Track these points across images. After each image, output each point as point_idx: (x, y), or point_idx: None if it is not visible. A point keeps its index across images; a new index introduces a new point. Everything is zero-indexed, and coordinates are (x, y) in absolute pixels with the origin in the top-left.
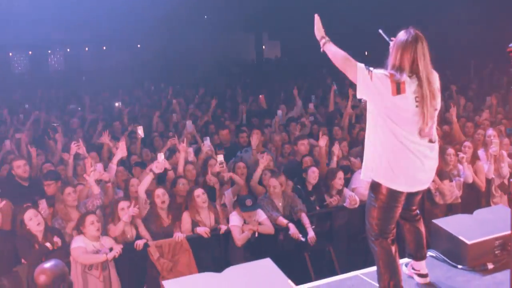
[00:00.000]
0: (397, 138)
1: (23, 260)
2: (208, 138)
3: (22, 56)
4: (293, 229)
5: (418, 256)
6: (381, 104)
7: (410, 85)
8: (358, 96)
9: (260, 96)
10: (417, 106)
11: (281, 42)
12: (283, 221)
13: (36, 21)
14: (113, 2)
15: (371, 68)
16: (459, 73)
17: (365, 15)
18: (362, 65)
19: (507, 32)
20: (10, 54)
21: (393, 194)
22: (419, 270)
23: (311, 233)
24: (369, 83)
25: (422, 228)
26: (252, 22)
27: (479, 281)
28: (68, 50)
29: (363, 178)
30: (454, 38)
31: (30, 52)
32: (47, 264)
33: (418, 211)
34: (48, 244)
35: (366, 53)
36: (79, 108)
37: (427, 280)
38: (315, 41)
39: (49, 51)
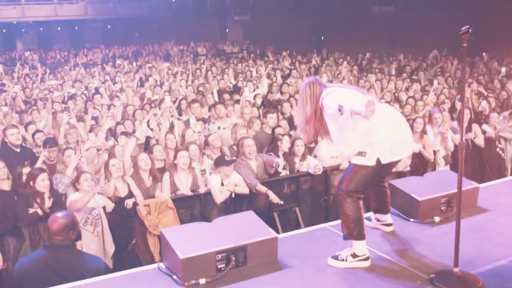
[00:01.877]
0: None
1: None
2: (193, 116)
3: None
4: (272, 195)
5: (384, 210)
6: None
7: None
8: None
9: (229, 70)
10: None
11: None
12: (262, 188)
13: None
14: None
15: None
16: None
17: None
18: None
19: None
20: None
21: (380, 166)
22: (385, 221)
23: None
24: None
25: (388, 189)
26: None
27: (428, 232)
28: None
29: (354, 162)
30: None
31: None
32: (60, 214)
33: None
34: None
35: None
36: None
37: (392, 228)
38: (275, 25)
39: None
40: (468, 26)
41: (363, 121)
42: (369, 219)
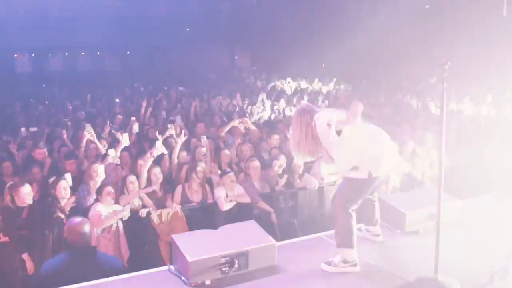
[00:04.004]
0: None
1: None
2: (205, 136)
3: (25, 57)
4: (273, 216)
5: (374, 222)
6: None
7: None
8: None
9: (237, 94)
10: None
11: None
12: (264, 206)
13: (39, 27)
14: (108, 14)
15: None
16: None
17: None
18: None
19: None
20: (15, 55)
21: (372, 179)
22: (374, 232)
23: None
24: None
25: (377, 204)
26: (226, 36)
27: (412, 242)
28: (66, 54)
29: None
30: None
31: (33, 55)
32: (77, 218)
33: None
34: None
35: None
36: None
37: (380, 238)
38: (280, 53)
39: (50, 54)
40: (447, 58)
41: (356, 141)
42: (359, 230)
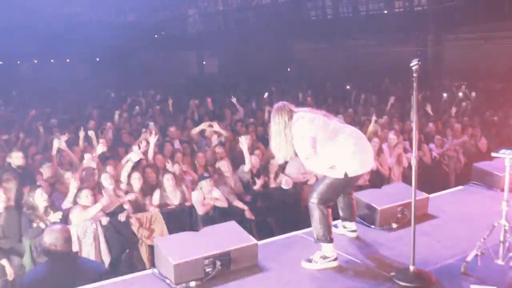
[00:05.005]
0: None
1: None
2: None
3: None
4: (248, 213)
5: (350, 218)
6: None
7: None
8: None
9: (208, 99)
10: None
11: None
12: (239, 204)
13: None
14: (78, 22)
15: (311, 134)
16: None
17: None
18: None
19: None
20: None
21: (348, 179)
22: (350, 228)
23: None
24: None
25: (354, 200)
26: (195, 42)
27: (386, 237)
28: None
29: (325, 174)
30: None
31: (1, 62)
32: (55, 226)
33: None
34: (49, 217)
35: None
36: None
37: (356, 234)
38: (247, 59)
39: (18, 62)
40: (418, 59)
41: (331, 142)
42: (336, 226)
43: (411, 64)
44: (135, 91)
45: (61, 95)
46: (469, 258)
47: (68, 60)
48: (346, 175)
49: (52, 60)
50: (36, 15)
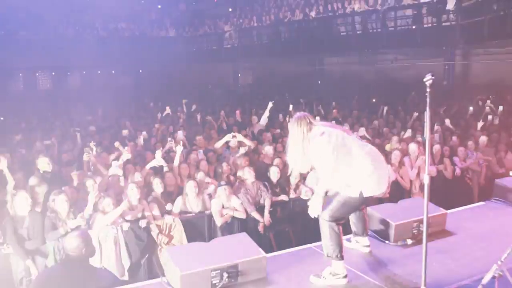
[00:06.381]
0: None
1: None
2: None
3: (46, 75)
4: (261, 226)
5: (363, 233)
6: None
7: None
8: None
9: (237, 111)
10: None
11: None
12: (257, 215)
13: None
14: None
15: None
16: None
17: None
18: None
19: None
20: (37, 74)
21: (362, 198)
22: (363, 243)
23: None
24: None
25: (366, 214)
26: (231, 55)
27: (400, 253)
28: (84, 72)
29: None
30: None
31: (53, 73)
32: (75, 232)
33: None
34: (71, 222)
35: None
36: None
37: (369, 249)
38: (279, 71)
39: (68, 73)
40: (432, 73)
41: (348, 160)
42: (349, 240)
43: (425, 79)
44: (173, 102)
45: (104, 104)
46: (485, 281)
47: (113, 72)
48: (361, 194)
49: (99, 71)
50: (86, 30)
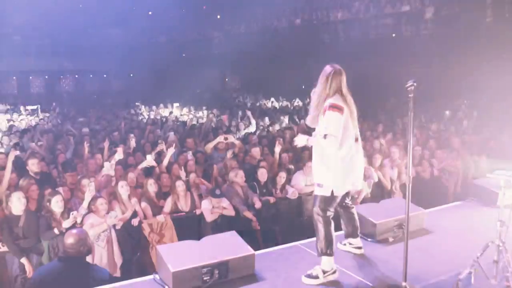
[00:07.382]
0: (348, 149)
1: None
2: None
3: (40, 79)
4: (255, 223)
5: (354, 234)
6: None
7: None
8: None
9: (224, 116)
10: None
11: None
12: (248, 215)
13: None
14: (115, 42)
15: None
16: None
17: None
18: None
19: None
20: (30, 77)
21: (333, 197)
22: (356, 244)
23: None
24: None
25: (355, 214)
26: (219, 60)
27: (383, 250)
28: (76, 76)
29: (315, 193)
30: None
31: (46, 77)
32: (74, 230)
33: (350, 202)
34: (65, 222)
35: None
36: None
37: (362, 251)
38: (266, 76)
39: (61, 77)
40: (413, 80)
41: (330, 150)
42: (342, 243)
43: (406, 85)
44: (164, 104)
45: (97, 107)
46: (462, 276)
47: (105, 76)
48: (332, 192)
49: (91, 75)
50: (80, 36)
